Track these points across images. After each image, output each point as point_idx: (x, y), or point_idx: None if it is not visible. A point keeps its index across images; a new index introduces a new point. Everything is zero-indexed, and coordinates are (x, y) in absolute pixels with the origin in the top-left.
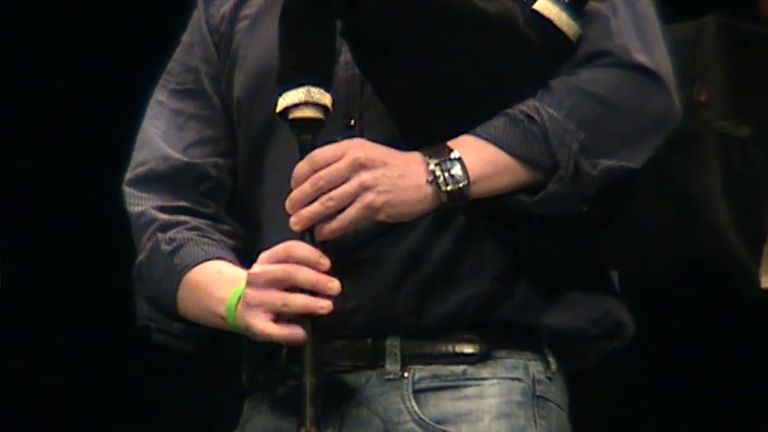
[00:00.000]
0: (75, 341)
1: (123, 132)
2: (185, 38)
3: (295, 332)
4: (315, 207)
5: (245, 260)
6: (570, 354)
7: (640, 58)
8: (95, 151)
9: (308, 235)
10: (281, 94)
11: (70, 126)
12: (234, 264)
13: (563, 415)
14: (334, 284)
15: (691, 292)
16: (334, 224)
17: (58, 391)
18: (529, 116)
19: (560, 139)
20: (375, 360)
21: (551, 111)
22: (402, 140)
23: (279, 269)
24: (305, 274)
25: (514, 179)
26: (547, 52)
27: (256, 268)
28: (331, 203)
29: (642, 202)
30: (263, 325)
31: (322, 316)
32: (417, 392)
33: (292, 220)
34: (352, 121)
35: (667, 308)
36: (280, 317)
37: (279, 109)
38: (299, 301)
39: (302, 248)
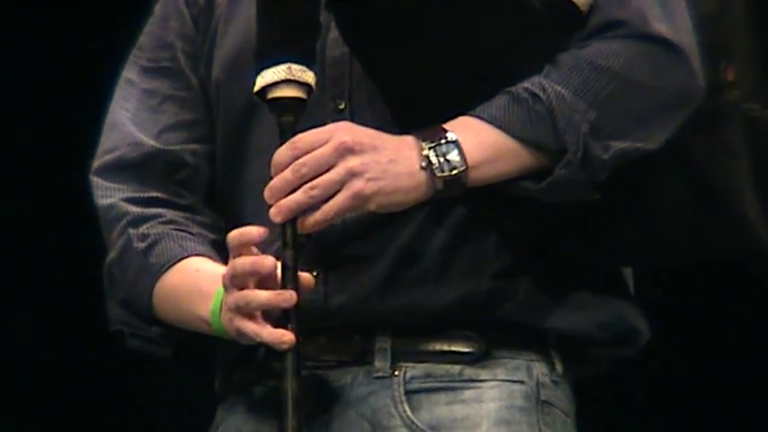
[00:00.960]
0: (42, 344)
1: (90, 115)
2: (158, 9)
3: (284, 335)
4: (297, 196)
5: (226, 254)
6: (578, 358)
7: (659, 27)
8: (59, 136)
9: (289, 227)
10: (259, 72)
11: (30, 110)
12: (215, 260)
13: (569, 423)
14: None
15: (713, 294)
16: (318, 215)
17: (24, 397)
18: (533, 94)
19: (568, 120)
20: (362, 356)
21: (558, 88)
22: (395, 123)
23: (242, 260)
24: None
25: (517, 164)
26: (554, 22)
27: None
28: (315, 192)
29: (660, 191)
30: (263, 331)
31: (306, 313)
32: (409, 393)
33: (272, 210)
34: (342, 104)
35: (685, 310)
36: (267, 316)
37: (257, 88)
38: (262, 297)
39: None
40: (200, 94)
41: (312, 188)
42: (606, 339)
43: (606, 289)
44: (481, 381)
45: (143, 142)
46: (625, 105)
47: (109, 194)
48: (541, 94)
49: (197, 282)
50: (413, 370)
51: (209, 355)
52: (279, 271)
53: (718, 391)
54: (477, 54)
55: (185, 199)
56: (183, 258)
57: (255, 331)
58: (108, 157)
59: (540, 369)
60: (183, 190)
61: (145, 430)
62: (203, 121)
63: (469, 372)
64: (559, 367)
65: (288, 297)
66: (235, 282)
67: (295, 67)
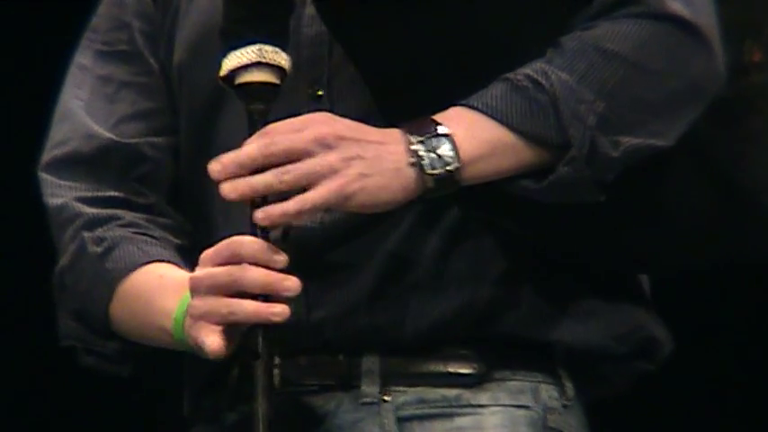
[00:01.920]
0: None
1: (39, 105)
2: None
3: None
4: (264, 177)
5: (193, 261)
6: (591, 377)
7: (674, 5)
8: (4, 128)
9: (259, 228)
10: (226, 55)
11: None
12: (179, 267)
13: None
14: (291, 283)
15: (741, 301)
16: (291, 204)
17: None
18: (535, 81)
19: (573, 111)
20: (348, 380)
21: (563, 75)
22: (380, 114)
23: (221, 272)
24: (253, 276)
25: (516, 160)
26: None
27: (198, 272)
28: (287, 177)
29: (678, 189)
30: (213, 341)
31: (278, 326)
32: (401, 421)
33: (225, 186)
34: (320, 91)
35: (708, 316)
36: (231, 329)
37: (223, 72)
38: (249, 308)
39: (250, 244)
40: (160, 80)
41: (284, 173)
42: (623, 353)
43: (620, 295)
44: (481, 406)
45: (98, 134)
46: (637, 95)
47: (60, 193)
48: (544, 82)
49: (159, 291)
50: (404, 395)
51: (177, 374)
52: None
53: (751, 407)
54: (473, 35)
55: (146, 198)
56: (143, 264)
57: (202, 339)
58: (59, 151)
59: (547, 392)
60: (143, 188)
61: None
62: (164, 111)
63: (468, 396)
64: (570, 388)
65: (280, 311)
66: (220, 289)
67: (266, 48)
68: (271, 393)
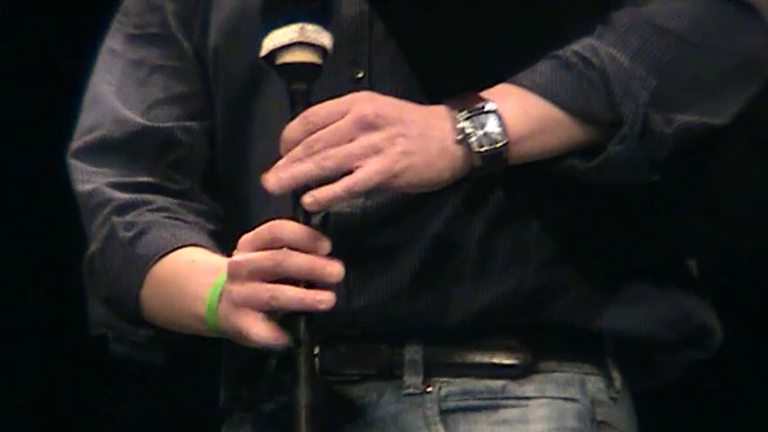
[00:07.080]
0: (12, 352)
1: (69, 90)
2: None
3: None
4: (304, 165)
5: (227, 247)
6: (640, 367)
7: None
8: (32, 115)
9: (302, 213)
10: (266, 33)
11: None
12: (212, 251)
13: None
14: (335, 269)
15: None
16: (337, 187)
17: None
18: (584, 59)
19: (625, 88)
20: (389, 369)
21: (613, 51)
22: (423, 95)
23: (263, 256)
24: (296, 261)
25: (566, 139)
26: None
27: (237, 256)
28: (328, 163)
29: (732, 170)
30: (255, 327)
31: (321, 313)
32: (445, 413)
33: (269, 177)
34: (360, 73)
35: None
36: (272, 315)
37: (264, 52)
38: (291, 294)
39: (291, 228)
40: (194, 64)
41: (325, 159)
42: (673, 341)
43: (670, 281)
44: (527, 398)
45: (129, 119)
46: (690, 72)
47: (90, 179)
48: (594, 59)
49: (192, 275)
50: (449, 386)
51: (213, 364)
52: None
53: None
54: (519, 11)
55: (179, 184)
56: (175, 249)
57: (248, 327)
58: (89, 137)
59: (595, 384)
60: (176, 173)
61: None
62: (198, 94)
63: (513, 387)
64: (618, 381)
65: (326, 298)
66: (261, 274)
67: (308, 27)
68: (313, 381)
